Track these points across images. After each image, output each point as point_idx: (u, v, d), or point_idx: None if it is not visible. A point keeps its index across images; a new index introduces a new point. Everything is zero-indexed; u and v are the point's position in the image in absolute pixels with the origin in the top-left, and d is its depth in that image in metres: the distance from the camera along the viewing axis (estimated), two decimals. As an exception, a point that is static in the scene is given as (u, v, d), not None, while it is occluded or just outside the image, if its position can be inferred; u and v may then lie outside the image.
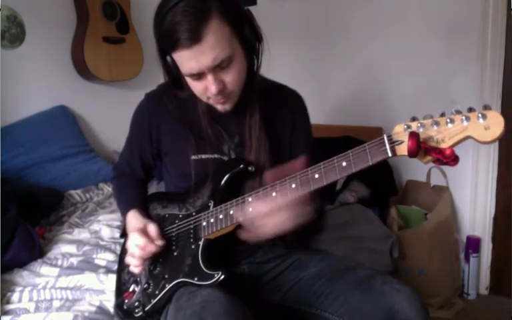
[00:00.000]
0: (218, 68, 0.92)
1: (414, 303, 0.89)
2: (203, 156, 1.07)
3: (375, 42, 2.45)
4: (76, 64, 2.49)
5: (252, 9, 0.98)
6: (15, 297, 1.28)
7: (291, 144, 1.12)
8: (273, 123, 1.09)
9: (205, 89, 0.96)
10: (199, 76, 0.94)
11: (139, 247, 1.00)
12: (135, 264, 1.03)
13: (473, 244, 2.22)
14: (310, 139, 1.16)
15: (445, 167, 2.27)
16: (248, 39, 0.96)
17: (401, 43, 2.36)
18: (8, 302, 1.27)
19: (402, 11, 2.34)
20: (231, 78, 0.95)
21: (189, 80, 0.97)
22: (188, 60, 0.91)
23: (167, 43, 0.92)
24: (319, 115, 2.58)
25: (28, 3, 2.31)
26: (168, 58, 0.95)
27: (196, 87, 0.97)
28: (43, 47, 2.39)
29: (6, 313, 1.21)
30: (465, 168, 2.23)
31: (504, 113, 2.33)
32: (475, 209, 2.25)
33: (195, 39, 0.87)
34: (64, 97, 2.48)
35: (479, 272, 2.26)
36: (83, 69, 2.46)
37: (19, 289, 1.32)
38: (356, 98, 2.57)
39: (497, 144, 2.16)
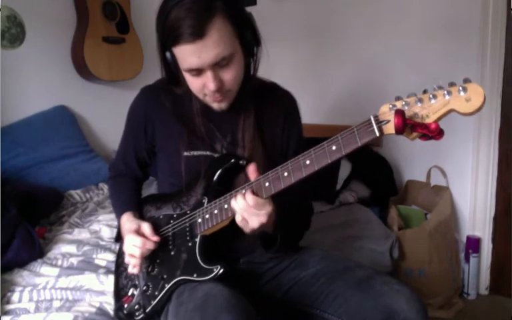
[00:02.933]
0: (218, 66, 0.94)
1: (413, 304, 0.90)
2: (195, 153, 1.08)
3: (374, 42, 2.45)
4: (76, 64, 2.49)
5: (252, 9, 0.99)
6: (15, 297, 1.28)
7: (282, 143, 1.12)
8: (265, 122, 1.10)
9: (202, 86, 0.97)
10: (199, 72, 0.94)
11: (136, 247, 1.01)
12: (134, 263, 1.03)
13: (473, 244, 2.22)
14: (301, 139, 1.16)
15: (444, 167, 2.27)
16: (248, 41, 0.98)
17: (400, 43, 2.36)
18: (8, 302, 1.26)
19: (402, 11, 2.34)
20: (230, 77, 0.96)
21: (187, 76, 0.98)
22: (189, 55, 0.91)
23: (170, 38, 0.92)
24: (318, 114, 2.59)
25: (28, 3, 2.31)
26: (167, 54, 0.96)
27: (194, 83, 0.98)
28: (42, 47, 2.39)
29: (6, 313, 1.21)
30: (465, 168, 2.23)
31: (504, 112, 2.32)
32: (474, 209, 2.25)
33: (198, 34, 0.88)
34: (64, 97, 2.48)
35: (479, 272, 2.26)
36: (82, 69, 2.46)
37: (19, 288, 1.31)
38: (355, 98, 2.56)
39: (496, 144, 2.16)
